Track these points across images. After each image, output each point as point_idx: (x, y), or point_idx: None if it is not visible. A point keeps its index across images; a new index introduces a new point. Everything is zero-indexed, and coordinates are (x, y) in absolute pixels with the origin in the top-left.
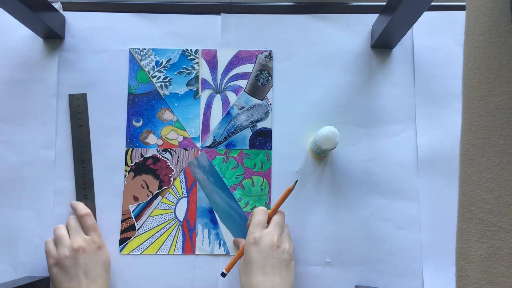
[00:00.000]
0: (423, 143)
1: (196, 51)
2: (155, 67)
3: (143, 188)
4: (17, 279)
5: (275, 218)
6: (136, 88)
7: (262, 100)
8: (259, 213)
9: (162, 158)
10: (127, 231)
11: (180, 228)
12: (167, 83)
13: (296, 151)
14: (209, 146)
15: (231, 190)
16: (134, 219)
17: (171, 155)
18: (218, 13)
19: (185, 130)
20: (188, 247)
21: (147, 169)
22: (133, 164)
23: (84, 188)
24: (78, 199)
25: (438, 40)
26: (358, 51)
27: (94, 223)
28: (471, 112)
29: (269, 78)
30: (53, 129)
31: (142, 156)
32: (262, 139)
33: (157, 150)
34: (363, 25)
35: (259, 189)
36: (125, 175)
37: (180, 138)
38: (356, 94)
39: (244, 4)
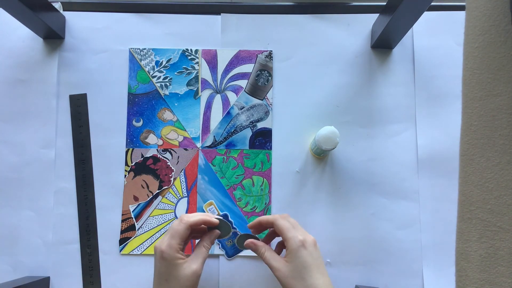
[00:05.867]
0: (423, 143)
1: (196, 51)
2: (155, 67)
3: (143, 188)
4: (17, 279)
5: (292, 219)
6: (136, 88)
7: (262, 100)
8: (286, 217)
9: (162, 158)
10: (127, 231)
11: None
12: (167, 83)
13: (296, 151)
14: (209, 146)
15: (231, 190)
16: (134, 219)
17: (171, 155)
18: (218, 13)
19: (185, 130)
20: (188, 247)
21: (147, 169)
22: (133, 164)
23: (84, 188)
24: (78, 199)
25: (438, 40)
26: (358, 51)
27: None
28: (471, 112)
29: (269, 78)
30: (53, 129)
31: (142, 156)
32: (262, 139)
33: (157, 150)
34: (363, 25)
35: (259, 189)
36: (125, 175)
37: (180, 138)
38: (356, 94)
39: (244, 4)
